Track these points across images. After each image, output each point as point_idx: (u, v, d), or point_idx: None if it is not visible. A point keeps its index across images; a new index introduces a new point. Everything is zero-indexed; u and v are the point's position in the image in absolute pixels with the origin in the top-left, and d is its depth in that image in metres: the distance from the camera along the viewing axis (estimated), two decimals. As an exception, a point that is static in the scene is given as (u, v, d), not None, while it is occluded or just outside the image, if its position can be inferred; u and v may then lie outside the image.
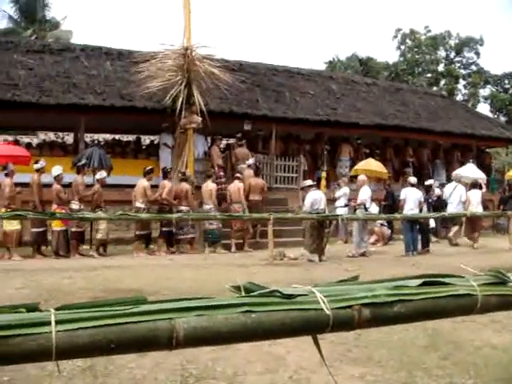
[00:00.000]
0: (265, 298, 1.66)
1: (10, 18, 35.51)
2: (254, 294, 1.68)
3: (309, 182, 12.84)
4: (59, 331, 1.46)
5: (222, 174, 14.91)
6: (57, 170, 12.35)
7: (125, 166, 14.35)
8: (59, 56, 17.01)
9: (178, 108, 13.92)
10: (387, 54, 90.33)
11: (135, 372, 4.59)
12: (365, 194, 13.05)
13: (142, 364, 4.66)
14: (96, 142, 19.04)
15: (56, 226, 12.01)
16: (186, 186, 13.21)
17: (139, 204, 12.69)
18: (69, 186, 12.73)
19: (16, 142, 17.70)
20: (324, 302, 1.67)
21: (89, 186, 12.93)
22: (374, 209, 13.19)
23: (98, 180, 12.74)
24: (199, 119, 14.22)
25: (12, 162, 12.43)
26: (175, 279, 8.44)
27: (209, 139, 17.20)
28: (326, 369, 3.12)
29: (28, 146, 17.70)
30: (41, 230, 12.05)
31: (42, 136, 24.81)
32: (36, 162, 12.54)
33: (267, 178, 16.77)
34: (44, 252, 12.25)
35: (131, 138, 20.84)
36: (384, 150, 20.31)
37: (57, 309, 1.52)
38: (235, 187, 13.71)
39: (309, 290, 1.73)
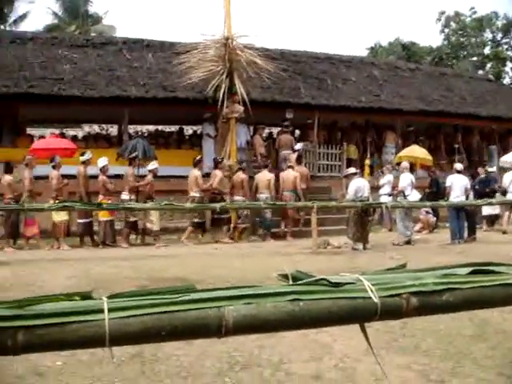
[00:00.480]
0: (312, 286, 1.67)
1: (55, 14, 36.25)
2: (302, 282, 1.69)
3: (352, 170, 12.74)
4: (112, 318, 1.50)
5: (263, 163, 14.93)
6: (102, 161, 12.61)
7: (168, 156, 14.52)
8: (102, 50, 17.29)
9: (220, 98, 13.96)
10: (431, 37, 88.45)
11: (182, 359, 4.67)
12: (404, 181, 12.92)
13: (189, 351, 4.74)
14: (139, 133, 19.33)
15: (103, 216, 12.27)
16: (242, 175, 13.35)
17: (193, 193, 12.86)
18: (114, 177, 12.97)
19: (62, 135, 18.12)
20: (372, 291, 1.67)
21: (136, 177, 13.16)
22: (414, 196, 12.93)
23: (150, 170, 12.92)
24: (241, 108, 14.23)
25: (59, 155, 12.72)
26: (221, 268, 8.52)
27: (251, 128, 17.23)
28: (373, 357, 3.11)
29: (74, 138, 18.10)
30: (87, 220, 12.34)
31: (87, 128, 25.30)
32: (82, 154, 12.82)
33: (310, 166, 16.71)
34: (90, 242, 12.53)
35: (174, 128, 21.04)
36: (433, 136, 19.92)
37: (109, 297, 1.56)
38: (289, 175, 13.76)
39: (356, 278, 1.73)
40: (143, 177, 13.26)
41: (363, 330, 1.82)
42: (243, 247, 11.98)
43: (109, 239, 12.32)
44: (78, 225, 12.48)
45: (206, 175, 13.67)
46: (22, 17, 34.84)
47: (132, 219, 12.51)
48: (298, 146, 15.19)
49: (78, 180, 12.52)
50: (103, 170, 12.55)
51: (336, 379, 4.20)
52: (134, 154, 13.22)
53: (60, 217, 11.95)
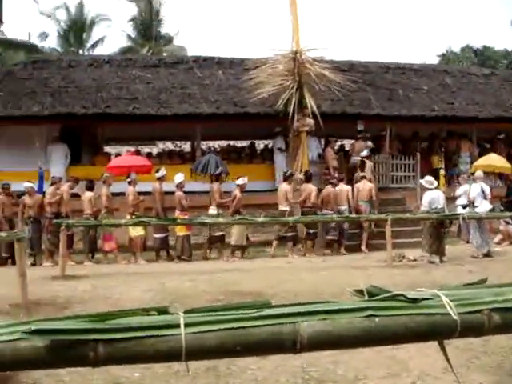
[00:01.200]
0: (388, 301, 1.64)
1: (129, 36, 37.65)
2: (378, 297, 1.66)
3: (425, 180, 12.33)
4: (188, 333, 1.53)
5: (336, 175, 14.82)
6: (179, 177, 12.91)
7: (240, 171, 14.64)
8: (174, 68, 17.75)
9: (291, 112, 13.99)
10: (505, 41, 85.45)
11: (257, 374, 4.68)
12: (474, 191, 12.53)
13: (263, 366, 4.74)
14: (212, 148, 19.62)
15: (180, 231, 12.51)
16: (332, 190, 13.35)
17: (283, 207, 12.98)
18: (188, 193, 13.19)
19: (138, 152, 18.66)
20: (451, 307, 1.62)
21: (206, 192, 13.36)
22: (484, 207, 12.37)
23: (238, 185, 13.09)
24: (312, 122, 14.21)
25: (135, 172, 13.10)
26: (294, 281, 8.49)
27: (322, 141, 17.16)
28: (452, 376, 3.00)
29: (149, 155, 18.59)
30: (164, 235, 12.63)
31: (161, 145, 25.96)
32: (157, 171, 13.16)
33: (383, 178, 16.44)
34: (166, 256, 12.80)
35: (245, 143, 21.25)
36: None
37: (185, 312, 1.59)
38: (365, 186, 13.80)
39: (434, 294, 1.68)
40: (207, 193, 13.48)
41: (442, 348, 1.77)
42: (317, 260, 11.90)
43: (186, 254, 12.53)
44: (154, 239, 12.79)
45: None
46: (99, 41, 36.45)
47: (218, 233, 12.68)
48: (365, 152, 15.07)
49: (154, 196, 12.83)
50: (180, 185, 12.82)
51: (414, 397, 4.09)
52: (219, 170, 13.42)
53: (137, 232, 12.28)
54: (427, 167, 17.00)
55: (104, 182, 12.71)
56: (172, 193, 12.97)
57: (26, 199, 12.38)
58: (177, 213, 12.63)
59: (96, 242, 12.57)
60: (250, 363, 4.74)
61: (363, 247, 13.36)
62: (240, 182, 13.06)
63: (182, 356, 1.53)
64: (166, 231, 12.67)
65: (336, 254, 12.93)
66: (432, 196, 11.69)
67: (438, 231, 11.27)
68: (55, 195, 12.42)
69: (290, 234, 12.91)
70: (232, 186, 13.25)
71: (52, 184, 12.79)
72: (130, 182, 12.73)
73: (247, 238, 12.90)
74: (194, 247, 12.90)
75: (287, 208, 12.96)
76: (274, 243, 13.04)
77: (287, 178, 13.33)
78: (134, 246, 12.39)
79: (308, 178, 13.56)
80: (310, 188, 13.25)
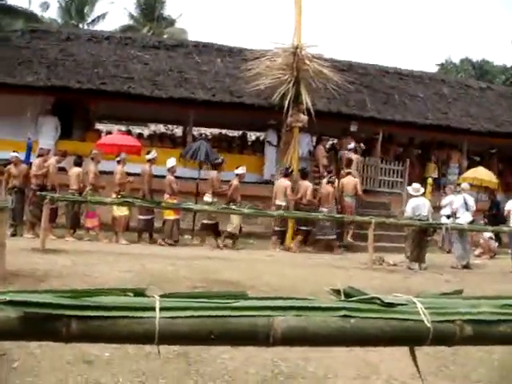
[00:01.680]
0: (364, 304, 1.65)
1: (131, 15, 37.39)
2: (354, 299, 1.67)
3: (412, 188, 12.38)
4: (163, 317, 1.53)
5: (325, 174, 14.85)
6: (171, 162, 12.94)
7: (230, 161, 14.63)
8: (173, 52, 17.67)
9: (286, 106, 13.99)
10: (505, 57, 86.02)
11: (228, 363, 4.70)
12: (457, 202, 12.70)
13: (234, 356, 4.76)
14: (203, 135, 19.58)
15: (168, 215, 12.52)
16: (330, 188, 13.42)
17: (279, 202, 13.05)
18: (176, 178, 13.16)
19: (128, 132, 18.59)
20: (425, 314, 1.63)
21: (194, 179, 13.34)
22: (465, 218, 12.46)
23: (237, 174, 13.14)
24: (305, 118, 14.21)
25: (124, 152, 13.04)
26: (274, 275, 8.51)
27: (314, 138, 17.18)
28: (420, 382, 3.03)
29: (139, 136, 18.53)
30: (148, 217, 12.60)
31: (153, 127, 25.86)
32: (148, 153, 13.12)
33: (371, 181, 16.52)
34: (148, 238, 12.78)
35: (237, 133, 21.22)
36: (501, 159, 19.34)
37: (161, 296, 1.59)
38: (350, 181, 14.01)
39: (410, 300, 1.69)
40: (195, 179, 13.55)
41: (412, 354, 1.79)
42: (298, 257, 11.94)
43: (173, 238, 12.53)
44: (138, 221, 12.76)
45: (267, 182, 13.75)
46: (101, 17, 36.14)
47: (211, 222, 12.72)
48: (352, 145, 15.32)
49: (143, 177, 12.80)
50: (171, 170, 12.84)
51: (381, 400, 4.13)
52: (219, 160, 13.45)
53: (121, 211, 12.24)
54: (419, 174, 17.11)
55: (92, 159, 12.65)
56: (161, 176, 12.94)
57: (12, 169, 12.30)
58: (166, 196, 12.64)
59: (79, 218, 12.52)
60: (221, 352, 4.77)
61: (349, 237, 13.57)
62: (239, 171, 13.19)
63: (155, 339, 1.53)
64: (151, 213, 12.64)
65: (330, 253, 12.96)
66: (416, 203, 11.76)
67: (421, 238, 11.36)
68: (42, 167, 12.34)
69: (281, 229, 13.05)
70: (229, 176, 13.31)
71: (39, 156, 12.69)
72: (118, 161, 12.67)
73: (240, 229, 12.99)
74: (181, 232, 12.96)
75: (284, 203, 13.04)
76: (273, 238, 13.23)
77: (288, 174, 13.40)
78: (117, 225, 12.35)
79: (304, 174, 13.69)
80: (306, 185, 13.32)
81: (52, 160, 12.53)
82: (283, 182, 13.30)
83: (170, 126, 24.66)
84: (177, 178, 13.17)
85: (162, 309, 1.53)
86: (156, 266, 8.70)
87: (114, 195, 11.95)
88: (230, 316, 1.54)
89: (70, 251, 9.71)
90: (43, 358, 4.48)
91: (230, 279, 7.83)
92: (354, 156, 15.23)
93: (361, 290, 1.74)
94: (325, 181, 13.63)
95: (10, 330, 1.49)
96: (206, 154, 13.71)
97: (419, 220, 11.37)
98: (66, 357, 4.49)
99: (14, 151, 12.66)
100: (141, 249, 11.37)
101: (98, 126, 20.60)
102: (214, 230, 12.91)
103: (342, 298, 1.69)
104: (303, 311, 1.58)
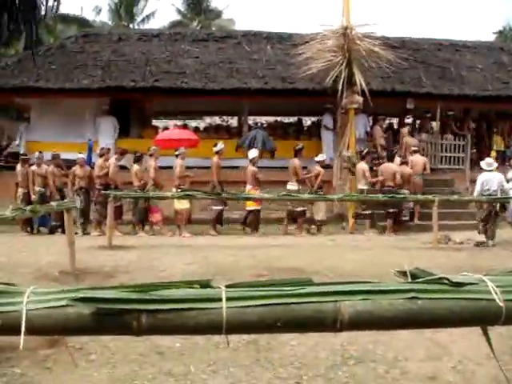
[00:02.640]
0: (432, 284, 1.61)
1: (178, 10, 37.75)
2: (421, 280, 1.63)
3: (487, 163, 11.99)
4: (229, 307, 1.54)
5: (384, 154, 14.62)
6: (253, 153, 13.00)
7: (287, 147, 14.60)
8: (222, 43, 17.75)
9: (339, 88, 13.82)
10: None
11: (296, 349, 4.71)
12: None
13: (303, 341, 4.77)
14: (259, 124, 19.62)
15: (250, 205, 12.66)
16: (408, 169, 13.33)
17: (361, 186, 13.11)
18: (234, 168, 13.23)
19: (185, 127, 18.82)
20: (496, 293, 1.58)
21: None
22: None
23: (317, 161, 13.20)
24: (360, 99, 14.00)
25: (183, 146, 13.21)
26: (337, 260, 8.46)
27: (370, 119, 16.92)
28: (494, 362, 2.95)
29: (196, 129, 18.75)
30: (220, 208, 12.72)
31: (208, 120, 26.11)
32: (215, 145, 13.21)
33: (431, 158, 16.13)
34: (217, 230, 12.87)
35: (292, 119, 21.14)
36: None
37: (227, 286, 1.61)
38: (419, 159, 13.87)
39: (479, 279, 1.64)
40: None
41: (485, 334, 1.74)
42: (362, 239, 11.82)
43: (252, 228, 12.67)
44: (211, 211, 12.89)
45: (326, 166, 13.66)
46: (150, 15, 36.65)
47: (300, 209, 12.75)
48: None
49: (212, 169, 12.86)
50: (253, 161, 12.89)
51: (454, 382, 4.05)
52: (300, 146, 13.51)
53: (182, 205, 12.42)
54: (485, 149, 16.61)
55: (151, 155, 12.88)
56: (203, 167, 13.10)
57: (77, 170, 12.67)
58: (248, 187, 12.73)
59: (146, 213, 12.75)
60: (290, 339, 4.78)
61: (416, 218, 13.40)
62: (319, 158, 13.24)
63: (223, 329, 1.55)
64: (223, 204, 12.72)
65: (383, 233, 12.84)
66: (485, 178, 11.43)
67: (490, 214, 11.09)
68: (103, 168, 12.66)
69: (368, 212, 13.04)
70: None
71: (101, 156, 13.03)
72: (177, 155, 12.84)
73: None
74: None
75: (365, 187, 13.02)
76: (351, 221, 13.26)
77: (364, 157, 13.41)
78: (179, 219, 12.55)
79: (391, 157, 13.67)
80: (393, 168, 13.18)
81: (112, 159, 12.83)
82: (361, 165, 13.26)
83: (224, 117, 24.85)
84: (234, 167, 13.25)
85: (228, 299, 1.55)
86: (219, 256, 8.80)
87: (174, 189, 12.14)
88: (296, 303, 1.54)
89: (136, 246, 9.96)
90: (117, 350, 4.62)
91: (292, 266, 7.83)
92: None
93: (427, 269, 1.70)
94: (398, 161, 13.43)
95: (83, 325, 1.55)
96: (262, 142, 13.74)
97: (489, 195, 11.09)
98: (139, 349, 4.62)
99: (79, 153, 13.07)
100: (204, 241, 11.51)
101: (155, 122, 20.97)
102: (302, 217, 12.91)
103: (409, 279, 1.66)
104: (370, 295, 1.56)
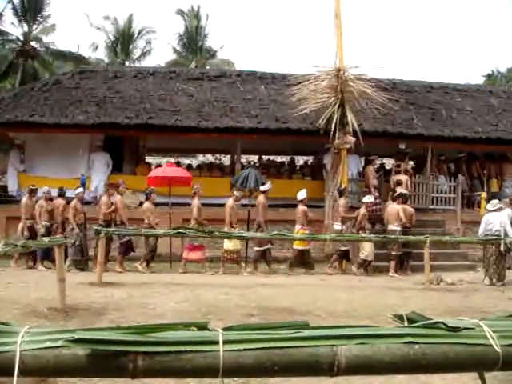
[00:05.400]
0: (429, 329, 1.61)
1: (174, 49, 38.35)
2: (418, 324, 1.63)
3: (492, 203, 12.15)
4: (226, 350, 1.54)
5: (377, 194, 14.66)
6: (302, 193, 13.03)
7: (279, 186, 14.66)
8: (216, 82, 17.98)
9: (332, 129, 13.96)
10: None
11: (289, 392, 4.63)
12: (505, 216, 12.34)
13: (294, 383, 4.69)
14: (252, 163, 19.72)
15: (298, 245, 12.62)
16: (397, 206, 13.29)
17: (393, 227, 12.99)
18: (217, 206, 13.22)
19: (178, 164, 18.88)
20: (493, 338, 1.58)
21: (244, 206, 13.40)
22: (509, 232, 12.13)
23: (363, 203, 13.25)
24: (353, 139, 14.15)
25: (175, 183, 13.21)
26: (328, 300, 8.41)
27: (362, 159, 17.06)
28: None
29: (188, 167, 18.79)
30: (264, 248, 12.64)
31: (201, 158, 26.23)
32: (263, 184, 13.31)
33: (422, 199, 16.22)
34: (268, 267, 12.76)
35: (285, 158, 21.27)
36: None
37: (224, 329, 1.61)
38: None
39: (475, 324, 1.65)
40: (245, 206, 13.52)
41: (482, 379, 1.73)
42: (353, 280, 11.77)
43: (305, 267, 12.61)
44: (255, 251, 12.78)
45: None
46: (146, 53, 37.22)
47: (343, 248, 12.74)
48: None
49: (257, 209, 12.88)
50: (303, 200, 12.92)
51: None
52: (343, 186, 13.67)
53: (234, 246, 12.40)
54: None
55: (194, 194, 12.90)
56: (212, 205, 13.05)
57: (78, 205, 12.60)
58: (297, 227, 12.72)
59: (155, 250, 12.64)
60: (282, 381, 4.68)
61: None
62: (366, 199, 13.27)
63: (219, 373, 1.54)
64: (266, 244, 12.67)
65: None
66: (488, 218, 11.68)
67: (497, 254, 11.36)
68: (109, 205, 12.64)
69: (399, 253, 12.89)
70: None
71: (106, 192, 13.02)
72: (194, 193, 12.89)
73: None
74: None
75: (398, 228, 12.96)
76: (392, 263, 12.95)
77: (397, 198, 13.40)
78: (227, 258, 12.48)
79: (406, 199, 13.61)
80: (410, 209, 13.36)
81: (118, 197, 12.77)
82: (395, 207, 13.22)
83: (218, 155, 24.98)
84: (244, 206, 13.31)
85: (225, 342, 1.54)
86: (210, 295, 8.72)
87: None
88: (293, 347, 1.54)
89: (127, 284, 9.86)
90: (106, 391, 4.53)
91: (284, 306, 7.77)
92: (403, 177, 15.04)
93: (420, 311, 1.71)
94: (396, 202, 13.46)
95: (77, 366, 1.53)
96: (255, 180, 13.79)
97: (491, 235, 11.35)
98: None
99: (77, 187, 13.14)
100: (198, 278, 11.41)
101: (148, 159, 21.05)
102: (345, 257, 12.95)
103: (406, 323, 1.66)
104: (367, 339, 1.56)
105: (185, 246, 12.68)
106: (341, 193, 13.42)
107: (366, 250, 12.58)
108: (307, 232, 12.51)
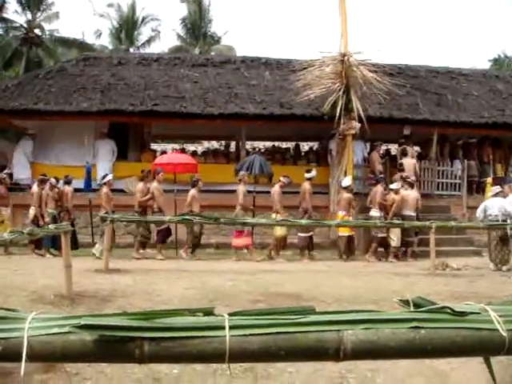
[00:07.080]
0: (434, 314, 1.61)
1: (178, 35, 38.17)
2: (423, 309, 1.63)
3: (493, 190, 12.14)
4: (233, 336, 1.54)
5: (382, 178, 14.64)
6: (347, 181, 13.11)
7: (284, 172, 14.65)
8: (221, 68, 17.92)
9: (337, 114, 13.91)
10: None
11: (295, 377, 4.68)
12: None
13: (301, 369, 4.73)
14: (257, 149, 19.70)
15: (343, 231, 12.69)
16: (415, 194, 13.38)
17: (410, 212, 13.05)
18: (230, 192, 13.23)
19: (183, 151, 18.88)
20: (499, 323, 1.58)
21: (249, 192, 13.40)
22: None
23: (391, 189, 13.22)
24: (358, 125, 14.09)
25: (180, 170, 13.18)
26: (334, 286, 8.41)
27: (368, 145, 17.01)
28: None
29: (193, 153, 18.79)
30: (307, 234, 12.77)
31: (206, 144, 26.21)
32: (308, 171, 13.34)
33: (428, 184, 16.18)
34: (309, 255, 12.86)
35: (290, 144, 21.22)
36: None
37: (230, 314, 1.61)
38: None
39: (482, 308, 1.64)
40: (250, 192, 13.51)
41: (488, 364, 1.73)
42: (358, 266, 11.77)
43: (346, 254, 12.68)
44: (298, 238, 12.91)
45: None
46: (150, 39, 37.06)
47: (380, 235, 12.75)
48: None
49: (304, 195, 12.93)
50: (349, 188, 12.98)
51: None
52: (382, 175, 13.70)
53: (281, 231, 12.55)
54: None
55: (240, 181, 12.96)
56: (214, 191, 13.01)
57: (109, 192, 12.66)
58: (341, 213, 12.79)
59: (200, 237, 12.72)
60: (287, 365, 4.74)
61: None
62: (394, 186, 13.19)
63: (226, 358, 1.54)
64: (310, 231, 12.79)
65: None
66: (487, 203, 11.67)
67: (500, 239, 11.26)
68: (145, 192, 12.68)
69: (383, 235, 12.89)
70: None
71: (141, 179, 13.05)
72: (240, 180, 12.95)
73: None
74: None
75: (414, 213, 13.04)
76: (409, 250, 13.04)
77: (413, 184, 13.47)
78: (276, 245, 12.68)
79: (412, 185, 13.63)
80: (417, 195, 13.37)
81: (154, 183, 12.77)
82: (413, 193, 13.26)
83: (222, 141, 24.98)
84: (231, 192, 13.26)
85: (231, 327, 1.54)
86: (217, 281, 8.74)
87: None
88: (299, 332, 1.54)
89: (133, 270, 9.88)
90: (114, 376, 4.58)
91: (289, 292, 7.77)
92: (410, 161, 14.99)
93: (426, 297, 1.70)
94: (404, 188, 13.44)
95: (85, 352, 1.54)
96: (260, 167, 13.77)
97: (490, 220, 11.27)
98: (136, 375, 4.57)
99: (106, 174, 13.19)
100: (203, 265, 11.44)
101: (153, 146, 21.04)
102: (383, 243, 12.94)
103: (411, 308, 1.66)
104: (372, 324, 1.56)
105: (232, 233, 12.78)
106: (377, 181, 13.42)
107: (396, 237, 12.60)
108: (350, 218, 12.54)
